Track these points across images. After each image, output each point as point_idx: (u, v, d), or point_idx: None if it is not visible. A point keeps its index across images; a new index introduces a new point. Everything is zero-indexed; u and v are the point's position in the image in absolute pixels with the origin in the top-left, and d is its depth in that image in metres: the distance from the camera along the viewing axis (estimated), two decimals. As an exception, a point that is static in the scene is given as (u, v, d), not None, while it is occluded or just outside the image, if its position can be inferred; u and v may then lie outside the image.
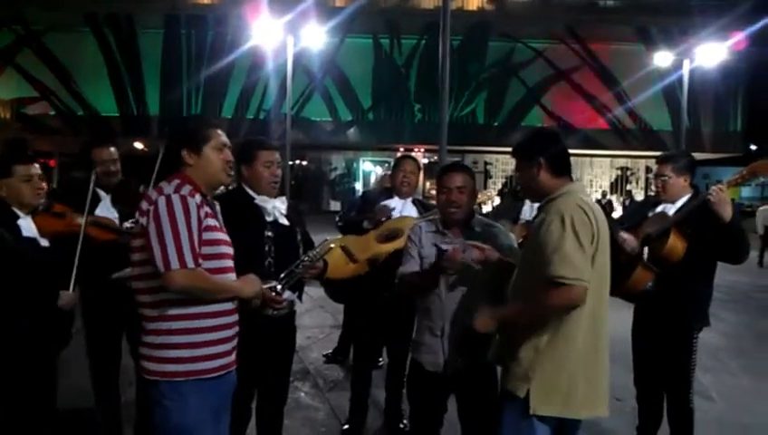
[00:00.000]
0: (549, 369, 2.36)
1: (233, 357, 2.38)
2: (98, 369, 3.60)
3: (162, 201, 2.17)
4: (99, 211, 3.44)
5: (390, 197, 4.11)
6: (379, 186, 5.98)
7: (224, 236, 2.36)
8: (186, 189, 2.24)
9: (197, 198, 2.25)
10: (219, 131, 2.41)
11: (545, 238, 2.34)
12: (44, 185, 2.95)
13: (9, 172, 2.86)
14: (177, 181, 2.27)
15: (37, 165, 2.96)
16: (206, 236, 2.24)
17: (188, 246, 2.14)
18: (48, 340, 2.91)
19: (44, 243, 2.90)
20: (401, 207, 4.05)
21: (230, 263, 2.37)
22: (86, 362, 3.61)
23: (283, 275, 2.82)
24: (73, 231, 3.00)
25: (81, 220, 3.02)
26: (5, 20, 24.52)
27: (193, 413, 2.22)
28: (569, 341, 2.36)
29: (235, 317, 2.39)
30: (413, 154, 25.57)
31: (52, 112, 25.83)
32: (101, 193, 3.53)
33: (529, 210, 3.87)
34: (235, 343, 2.39)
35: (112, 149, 3.59)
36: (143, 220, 2.20)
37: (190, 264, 2.14)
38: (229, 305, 2.33)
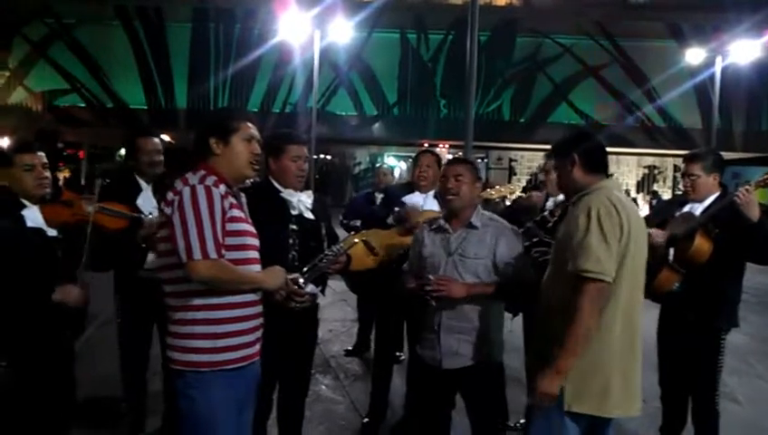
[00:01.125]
0: (584, 367, 2.33)
1: (256, 348, 2.39)
2: (128, 357, 3.65)
3: (187, 191, 2.19)
4: (140, 201, 3.46)
5: (412, 191, 4.11)
6: (389, 181, 5.98)
7: (249, 228, 2.37)
8: (210, 180, 2.25)
9: (222, 188, 2.26)
10: (249, 124, 2.41)
11: (572, 232, 2.34)
12: (48, 174, 2.85)
13: (10, 162, 2.79)
14: (202, 172, 2.29)
15: (41, 154, 2.85)
16: (231, 226, 2.25)
17: (211, 236, 2.15)
18: (60, 329, 2.85)
19: (52, 232, 2.83)
20: (423, 202, 4.04)
21: (255, 254, 2.37)
22: (110, 352, 3.67)
23: (306, 269, 2.83)
24: (81, 220, 2.95)
25: (90, 208, 2.97)
26: (38, 12, 24.95)
27: (217, 403, 2.24)
28: (604, 339, 2.34)
29: (259, 308, 2.39)
30: (436, 150, 25.56)
31: (82, 104, 26.26)
32: (143, 183, 3.59)
33: (551, 206, 3.82)
34: (258, 334, 2.40)
35: (156, 139, 3.66)
36: (168, 210, 2.22)
37: (213, 254, 2.15)
38: (253, 297, 2.34)
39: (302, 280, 2.72)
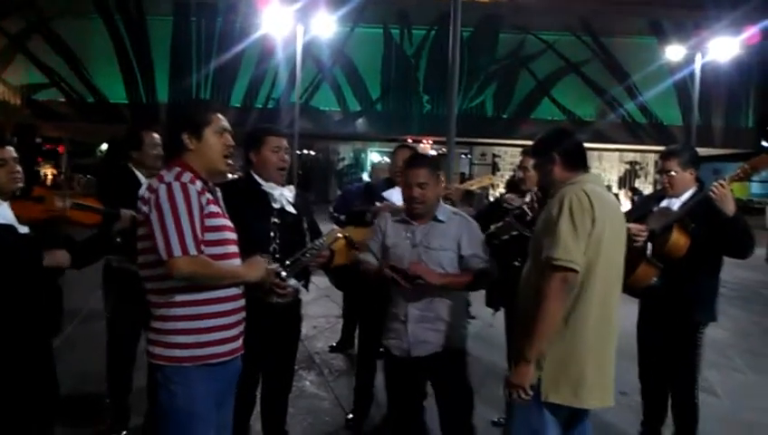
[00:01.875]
0: (559, 357, 2.36)
1: (239, 343, 2.39)
2: (115, 353, 3.64)
3: (163, 189, 2.19)
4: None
5: (392, 186, 4.11)
6: (376, 177, 5.95)
7: (227, 223, 2.36)
8: (186, 177, 2.24)
9: (198, 184, 2.25)
10: (220, 115, 2.39)
11: (544, 223, 2.40)
12: (20, 168, 2.73)
13: None
14: (177, 169, 2.28)
15: (11, 148, 2.72)
16: (209, 222, 2.25)
17: (190, 232, 2.15)
18: (37, 328, 2.76)
19: (24, 230, 2.72)
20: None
21: (234, 248, 2.37)
22: (92, 347, 3.64)
23: (288, 262, 2.82)
24: (53, 216, 2.91)
25: (61, 204, 2.93)
26: (17, 6, 24.55)
27: (197, 398, 2.24)
28: (578, 330, 2.37)
29: (241, 303, 2.39)
30: (420, 145, 25.60)
31: (62, 99, 25.92)
32: (141, 177, 3.57)
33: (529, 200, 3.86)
34: (241, 328, 2.40)
35: (157, 135, 3.63)
36: (145, 208, 2.22)
37: (192, 250, 2.15)
38: (234, 291, 2.34)
39: (284, 273, 2.71)
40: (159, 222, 2.15)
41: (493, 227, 3.71)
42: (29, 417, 2.75)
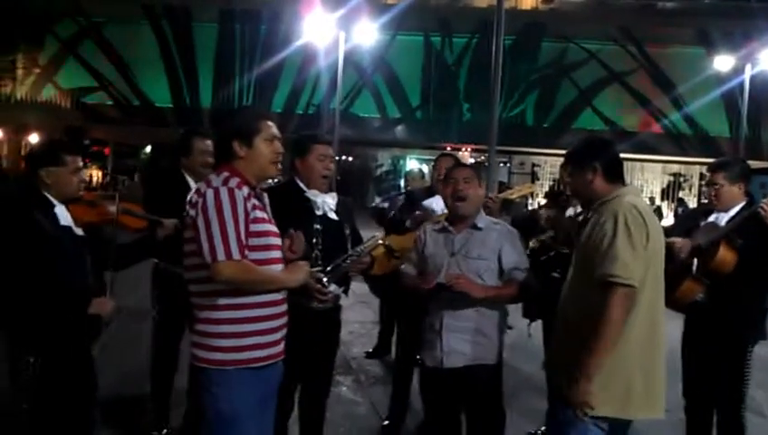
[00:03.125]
0: (605, 370, 2.32)
1: (281, 347, 2.41)
2: (160, 353, 3.70)
3: (210, 194, 2.22)
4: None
5: (432, 195, 4.11)
6: (420, 185, 5.95)
7: (272, 228, 2.39)
8: (233, 182, 2.27)
9: (245, 190, 2.28)
10: (270, 123, 2.42)
11: (598, 238, 2.35)
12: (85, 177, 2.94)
13: (60, 161, 2.78)
14: (225, 174, 2.31)
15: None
16: (254, 227, 2.27)
17: (235, 237, 2.18)
18: (82, 331, 2.83)
19: (79, 232, 2.84)
20: (444, 205, 4.04)
21: (278, 254, 2.39)
22: (134, 347, 3.70)
23: (329, 268, 2.84)
24: (106, 220, 3.00)
25: (113, 208, 3.01)
26: (68, 11, 25.39)
27: (240, 401, 2.27)
28: (625, 341, 2.33)
29: (284, 307, 2.41)
30: (459, 153, 25.49)
31: (110, 102, 26.65)
32: (192, 182, 3.62)
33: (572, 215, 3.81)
34: (283, 332, 2.42)
35: (209, 141, 3.68)
36: (192, 212, 2.26)
37: (236, 255, 2.17)
38: (277, 296, 2.36)
39: (325, 279, 2.73)
40: (205, 226, 2.19)
41: (531, 244, 3.69)
42: (69, 416, 2.82)
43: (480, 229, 2.96)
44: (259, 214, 2.32)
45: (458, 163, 3.27)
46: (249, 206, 2.27)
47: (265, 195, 2.51)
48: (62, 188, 2.79)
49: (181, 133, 3.81)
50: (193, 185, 3.59)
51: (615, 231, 2.30)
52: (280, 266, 2.39)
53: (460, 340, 2.90)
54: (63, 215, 2.78)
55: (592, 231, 2.41)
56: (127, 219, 3.19)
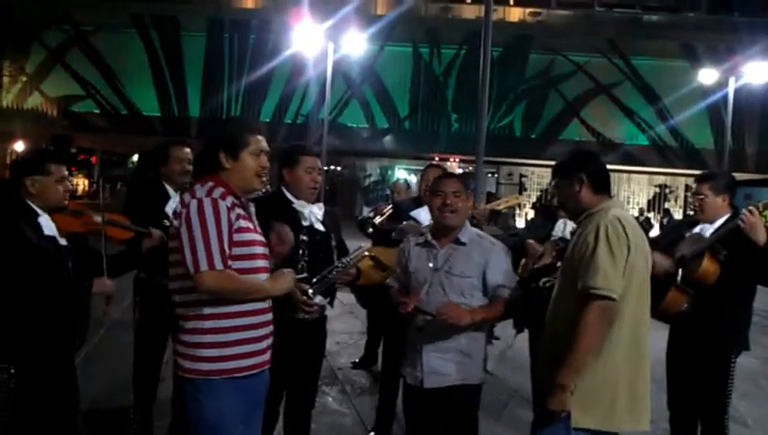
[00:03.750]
0: (590, 382, 2.34)
1: (266, 356, 2.40)
2: (142, 363, 3.67)
3: (194, 204, 2.23)
4: (168, 209, 3.47)
5: (420, 206, 4.12)
6: (405, 196, 5.96)
7: (257, 237, 2.39)
8: (218, 192, 2.28)
9: (229, 200, 2.29)
10: (259, 137, 2.42)
11: (581, 250, 2.38)
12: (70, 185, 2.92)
13: (46, 170, 2.78)
14: (210, 184, 2.31)
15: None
16: (238, 237, 2.28)
17: (218, 248, 2.18)
18: (66, 340, 2.84)
19: (63, 242, 2.83)
20: (430, 216, 4.05)
21: (263, 263, 2.39)
22: (117, 357, 3.67)
23: (315, 280, 2.84)
24: (90, 230, 3.00)
25: (98, 219, 3.01)
26: (56, 20, 25.29)
27: (226, 411, 2.26)
28: (610, 353, 2.35)
29: (269, 316, 2.41)
30: (447, 164, 25.53)
31: (97, 111, 26.52)
32: (171, 191, 3.62)
33: (561, 227, 3.82)
34: (269, 341, 2.42)
35: (187, 149, 3.69)
36: (176, 222, 2.26)
37: (219, 266, 2.18)
38: (262, 305, 2.36)
39: (311, 291, 2.73)
40: (188, 236, 2.19)
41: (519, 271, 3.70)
42: (52, 425, 2.79)
43: (464, 244, 2.89)
44: (243, 223, 2.32)
45: (446, 174, 3.19)
46: (233, 216, 2.27)
47: (252, 205, 2.51)
48: (46, 197, 2.78)
49: (158, 143, 3.81)
50: (172, 193, 3.59)
51: (596, 243, 2.33)
52: (265, 276, 2.39)
53: (441, 360, 2.84)
54: (48, 225, 2.76)
55: (576, 243, 2.44)
56: (113, 230, 3.18)
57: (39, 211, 2.75)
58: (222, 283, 2.20)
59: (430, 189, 3.05)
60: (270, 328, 2.42)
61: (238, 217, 2.30)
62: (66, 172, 2.88)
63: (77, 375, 2.96)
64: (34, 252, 2.63)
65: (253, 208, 2.49)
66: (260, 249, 2.39)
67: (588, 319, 2.28)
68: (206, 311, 2.26)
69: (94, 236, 3.03)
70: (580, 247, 2.39)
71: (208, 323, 2.26)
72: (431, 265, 2.89)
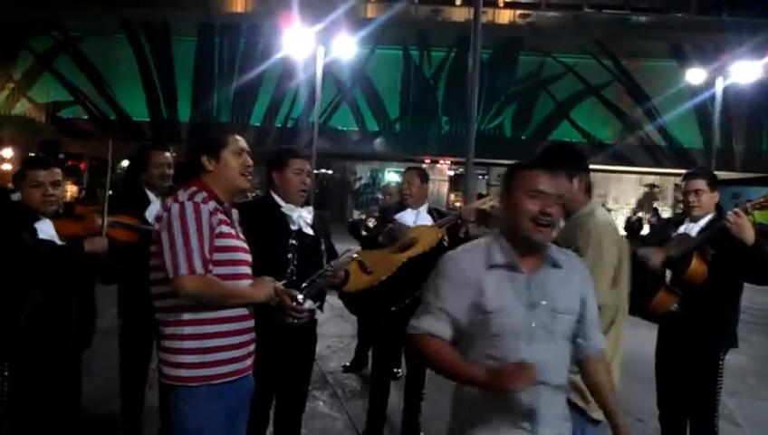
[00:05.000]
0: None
1: (247, 363, 2.39)
2: (128, 370, 3.65)
3: (175, 208, 2.22)
4: (148, 214, 3.47)
5: (404, 208, 4.14)
6: (390, 199, 5.97)
7: (240, 244, 2.38)
8: (200, 196, 2.27)
9: (211, 204, 2.28)
10: (238, 137, 2.43)
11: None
12: (54, 192, 2.92)
13: (23, 175, 2.88)
14: (193, 188, 2.31)
15: (56, 171, 2.93)
16: (220, 242, 2.26)
17: (198, 252, 2.17)
18: (69, 340, 2.94)
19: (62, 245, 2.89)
20: (415, 218, 4.08)
21: (246, 269, 2.38)
22: (106, 364, 3.66)
23: (304, 285, 2.84)
24: (93, 234, 3.00)
25: (101, 222, 3.03)
26: (44, 25, 25.14)
27: (206, 417, 2.25)
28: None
29: (250, 323, 2.39)
30: (437, 166, 25.49)
31: (85, 116, 26.37)
32: (152, 196, 3.60)
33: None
34: (250, 348, 2.41)
35: (168, 153, 3.68)
36: (157, 226, 2.26)
37: (199, 270, 2.17)
38: (242, 311, 2.34)
39: (300, 296, 2.73)
40: (169, 240, 2.18)
41: None
42: (46, 426, 2.83)
43: (560, 266, 1.99)
44: (225, 229, 2.30)
45: (546, 166, 2.05)
46: (215, 220, 2.26)
47: (235, 211, 2.49)
48: (29, 201, 2.87)
49: (137, 148, 3.80)
50: (153, 199, 3.57)
51: (596, 254, 2.35)
52: (248, 282, 2.38)
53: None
54: (45, 229, 2.84)
55: (572, 244, 2.40)
56: (117, 232, 3.17)
57: (40, 217, 2.85)
58: (202, 287, 2.19)
59: (520, 188, 1.98)
60: (251, 335, 2.41)
61: (220, 222, 2.29)
62: (46, 177, 2.89)
63: (79, 377, 3.06)
64: (27, 253, 2.69)
65: (236, 215, 2.48)
66: (243, 256, 2.37)
67: None
68: (186, 316, 2.24)
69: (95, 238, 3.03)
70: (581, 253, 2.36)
71: (188, 329, 2.24)
72: (522, 298, 1.92)
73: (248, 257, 2.41)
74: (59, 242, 2.86)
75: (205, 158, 2.36)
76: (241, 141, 2.43)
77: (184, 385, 2.24)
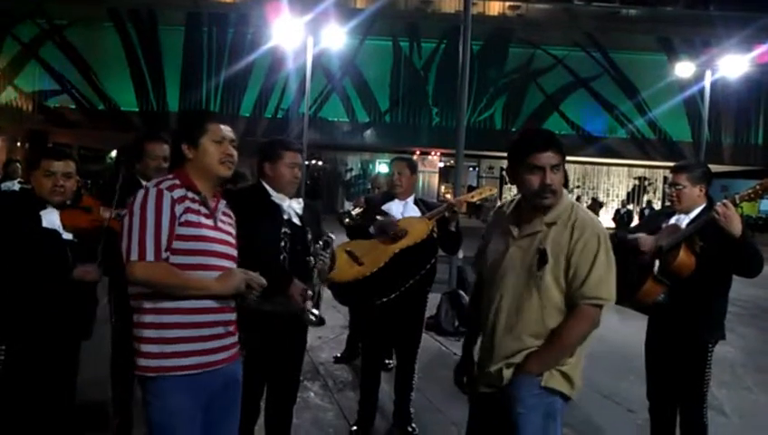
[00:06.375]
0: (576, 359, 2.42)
1: (218, 356, 2.29)
2: (119, 359, 3.61)
3: (140, 194, 2.20)
4: None
5: (391, 199, 4.13)
6: (379, 191, 5.97)
7: (216, 235, 2.30)
8: (167, 183, 2.23)
9: (178, 192, 2.22)
10: (221, 125, 2.37)
11: (581, 257, 2.34)
12: (66, 184, 2.94)
13: (36, 165, 2.92)
14: (168, 176, 2.29)
15: (70, 163, 2.99)
16: (184, 231, 2.20)
17: (152, 238, 2.13)
18: (68, 331, 2.95)
19: (67, 236, 2.91)
20: (403, 209, 4.08)
21: (219, 261, 2.29)
22: (98, 353, 3.64)
23: (311, 293, 2.82)
24: (98, 226, 3.00)
25: (107, 214, 3.03)
26: (29, 13, 24.83)
27: (170, 409, 2.19)
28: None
29: (219, 317, 2.30)
30: (428, 157, 25.50)
31: (73, 106, 26.11)
32: None
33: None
34: (224, 341, 2.32)
35: (165, 145, 3.63)
36: (123, 212, 2.26)
37: (150, 256, 2.12)
38: (210, 303, 2.25)
39: (316, 312, 2.73)
40: (128, 225, 2.16)
41: None
42: (42, 413, 2.88)
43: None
44: (193, 218, 2.23)
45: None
46: (179, 208, 2.20)
47: (223, 202, 2.43)
48: (39, 190, 2.92)
49: (134, 138, 3.77)
50: None
51: (599, 252, 2.34)
52: (216, 274, 2.27)
53: None
54: (50, 218, 2.87)
55: (569, 245, 2.36)
56: (119, 225, 3.15)
57: (48, 206, 2.89)
58: (152, 274, 2.13)
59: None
60: (221, 328, 2.30)
61: (187, 210, 2.22)
62: (57, 168, 2.93)
63: (76, 366, 3.10)
64: (28, 242, 2.77)
65: (223, 205, 2.41)
66: (218, 247, 2.30)
67: (582, 326, 2.35)
68: (147, 305, 2.20)
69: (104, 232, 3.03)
70: (581, 253, 2.34)
71: (148, 318, 2.20)
72: None
73: (227, 250, 2.33)
74: (63, 232, 2.90)
75: (185, 145, 2.31)
76: (224, 129, 2.36)
77: (144, 375, 2.19)
